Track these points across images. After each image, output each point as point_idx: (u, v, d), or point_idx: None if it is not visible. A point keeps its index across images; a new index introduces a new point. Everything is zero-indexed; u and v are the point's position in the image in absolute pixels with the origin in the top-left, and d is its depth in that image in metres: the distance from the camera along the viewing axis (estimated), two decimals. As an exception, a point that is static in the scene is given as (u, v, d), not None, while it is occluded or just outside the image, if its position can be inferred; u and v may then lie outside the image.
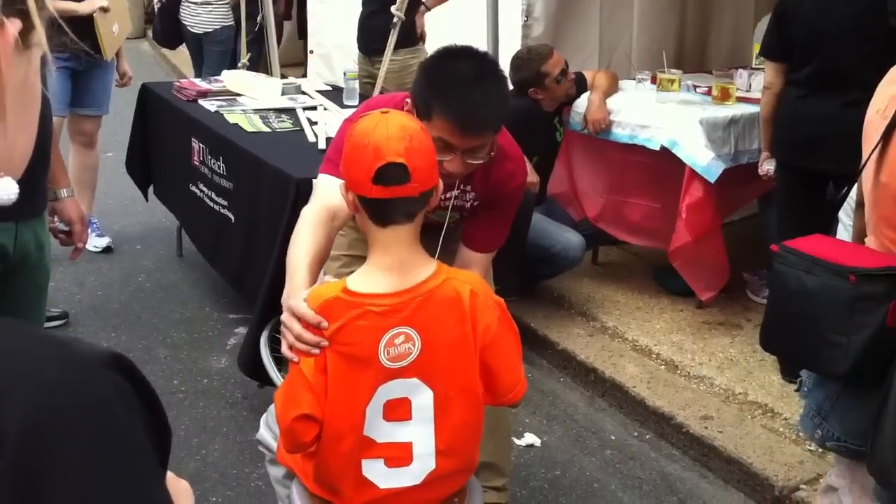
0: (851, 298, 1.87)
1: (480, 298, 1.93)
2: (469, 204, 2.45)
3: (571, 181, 4.70)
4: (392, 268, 1.88)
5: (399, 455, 1.95)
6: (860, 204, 2.21)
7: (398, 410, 1.92)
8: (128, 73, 5.04)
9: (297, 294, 1.94)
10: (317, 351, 1.84)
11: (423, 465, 1.97)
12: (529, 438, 3.49)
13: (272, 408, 2.16)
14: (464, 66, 2.18)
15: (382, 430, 1.93)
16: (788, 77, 3.59)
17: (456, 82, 2.15)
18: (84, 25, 4.32)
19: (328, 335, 1.84)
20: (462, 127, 2.12)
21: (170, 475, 0.97)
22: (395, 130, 1.84)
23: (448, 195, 2.38)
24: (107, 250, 5.12)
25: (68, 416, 0.81)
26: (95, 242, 5.06)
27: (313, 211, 2.29)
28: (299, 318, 1.85)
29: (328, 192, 2.27)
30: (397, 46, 5.01)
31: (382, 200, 1.85)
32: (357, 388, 1.89)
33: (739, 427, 3.36)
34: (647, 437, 3.50)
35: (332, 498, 2.02)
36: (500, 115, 2.22)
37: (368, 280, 1.89)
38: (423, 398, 1.92)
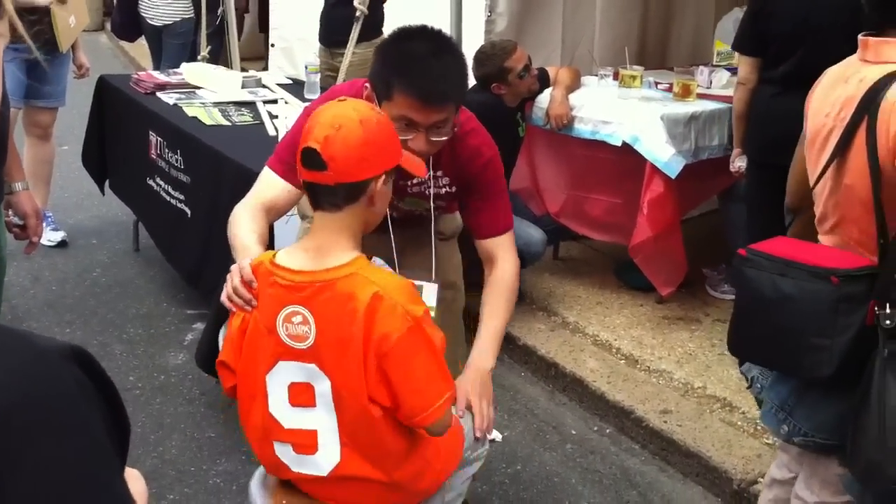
0: (834, 301, 1.85)
1: (384, 304, 1.84)
2: (444, 189, 2.44)
3: (533, 177, 4.70)
4: (309, 249, 1.94)
5: (305, 442, 1.98)
6: (794, 210, 2.22)
7: (303, 395, 1.94)
8: (85, 64, 4.96)
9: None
10: (248, 308, 1.96)
11: (327, 454, 1.97)
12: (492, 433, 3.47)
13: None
14: (420, 43, 2.20)
15: (289, 415, 1.97)
16: (762, 74, 3.57)
17: (414, 58, 2.17)
18: (40, 16, 4.27)
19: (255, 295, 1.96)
20: (423, 100, 2.13)
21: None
22: (328, 118, 1.89)
23: (417, 181, 2.38)
24: (62, 244, 5.04)
25: (30, 405, 0.80)
26: (50, 236, 4.98)
27: (247, 204, 2.36)
28: (240, 274, 1.98)
29: (265, 187, 2.37)
30: (359, 39, 4.99)
31: (307, 183, 1.92)
32: (259, 353, 1.97)
33: (698, 421, 3.38)
34: (608, 431, 3.51)
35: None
36: (460, 87, 2.26)
37: (289, 256, 1.96)
38: (323, 385, 1.93)
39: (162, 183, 4.17)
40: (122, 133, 4.70)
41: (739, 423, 3.38)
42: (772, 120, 3.52)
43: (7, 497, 0.77)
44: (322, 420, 1.94)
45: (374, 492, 2.02)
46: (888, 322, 1.83)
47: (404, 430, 1.97)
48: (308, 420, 1.95)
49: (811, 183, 2.07)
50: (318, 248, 1.92)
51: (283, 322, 1.91)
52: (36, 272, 4.71)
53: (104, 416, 0.88)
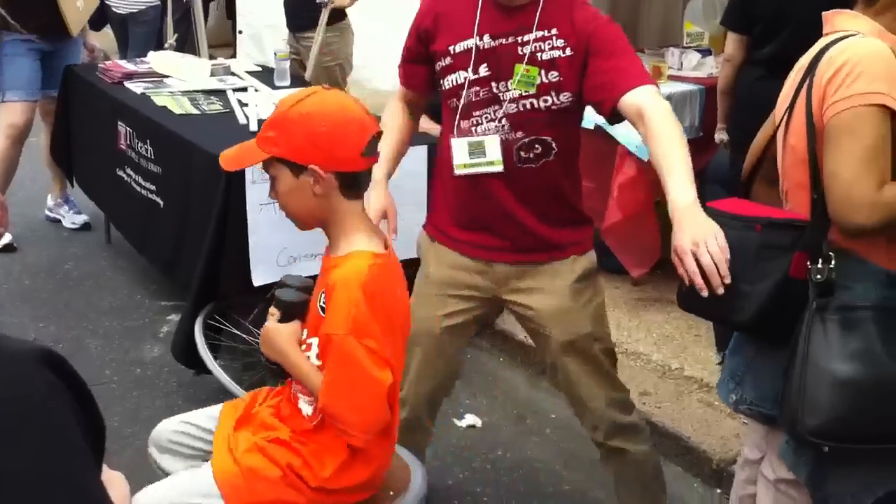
0: (757, 246, 1.90)
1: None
2: (559, 53, 2.25)
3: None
4: (372, 229, 2.02)
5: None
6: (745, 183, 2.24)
7: None
8: (96, 47, 5.06)
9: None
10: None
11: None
12: (470, 419, 3.48)
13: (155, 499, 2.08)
14: None
15: None
16: (749, 53, 3.54)
17: None
18: (47, 3, 4.42)
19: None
20: None
21: (104, 468, 0.95)
22: (354, 101, 1.96)
23: (526, 39, 2.25)
24: (85, 227, 5.10)
25: None
26: (74, 219, 5.12)
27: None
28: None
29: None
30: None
31: (361, 172, 1.95)
32: (400, 348, 2.02)
33: (676, 402, 3.41)
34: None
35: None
36: None
37: (375, 243, 1.98)
38: None
39: (132, 174, 4.12)
40: (90, 123, 4.64)
41: (717, 403, 3.41)
42: (754, 104, 3.51)
43: None
44: None
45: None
46: (818, 276, 1.87)
47: None
48: None
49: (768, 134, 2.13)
50: (374, 228, 2.05)
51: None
52: (7, 266, 4.65)
53: (77, 418, 0.87)
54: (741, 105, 3.60)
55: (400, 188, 3.58)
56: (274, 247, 3.35)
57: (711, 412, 3.34)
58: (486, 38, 2.29)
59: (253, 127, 3.82)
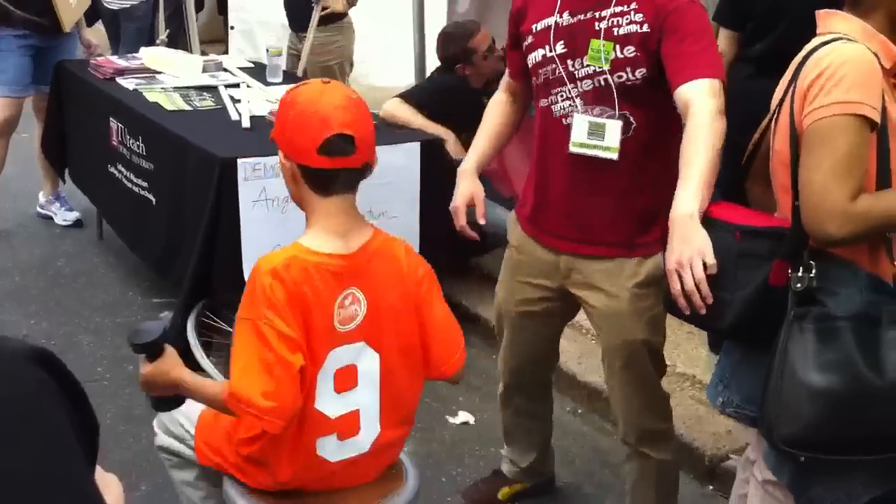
0: (735, 254, 1.90)
1: (413, 255, 2.01)
2: (635, 28, 2.22)
3: (500, 157, 4.67)
4: (338, 232, 1.91)
5: (349, 426, 1.97)
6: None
7: (347, 379, 1.94)
8: (93, 42, 5.06)
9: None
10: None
11: (369, 431, 2.00)
12: (464, 416, 3.49)
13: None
14: None
15: (335, 404, 1.94)
16: (741, 51, 3.52)
17: None
18: (42, 3, 4.52)
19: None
20: None
21: (97, 469, 0.94)
22: (342, 100, 1.86)
23: (605, 14, 2.23)
24: (77, 224, 5.07)
25: None
26: (65, 216, 5.09)
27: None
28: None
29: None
30: (321, 23, 4.94)
31: (326, 171, 1.86)
32: (313, 356, 1.88)
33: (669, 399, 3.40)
34: (580, 411, 3.53)
35: (280, 484, 1.99)
36: None
37: (319, 242, 1.90)
38: (368, 362, 1.94)
39: (124, 170, 4.10)
40: (82, 120, 4.63)
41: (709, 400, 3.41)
42: (746, 99, 3.50)
43: None
44: (363, 398, 1.97)
45: (398, 448, 2.12)
46: (798, 285, 1.86)
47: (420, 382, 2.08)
48: (351, 402, 1.96)
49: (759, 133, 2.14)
50: (346, 231, 1.92)
51: (338, 309, 1.90)
52: (-2, 263, 4.64)
53: (70, 417, 0.86)
54: (732, 102, 3.60)
55: (391, 185, 3.61)
56: (266, 243, 3.33)
57: (704, 409, 3.35)
58: (566, 14, 2.30)
59: (245, 123, 3.81)
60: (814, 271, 1.86)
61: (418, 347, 2.01)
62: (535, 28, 2.35)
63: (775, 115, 2.03)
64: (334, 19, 5.07)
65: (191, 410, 2.17)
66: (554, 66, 2.32)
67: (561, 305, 2.56)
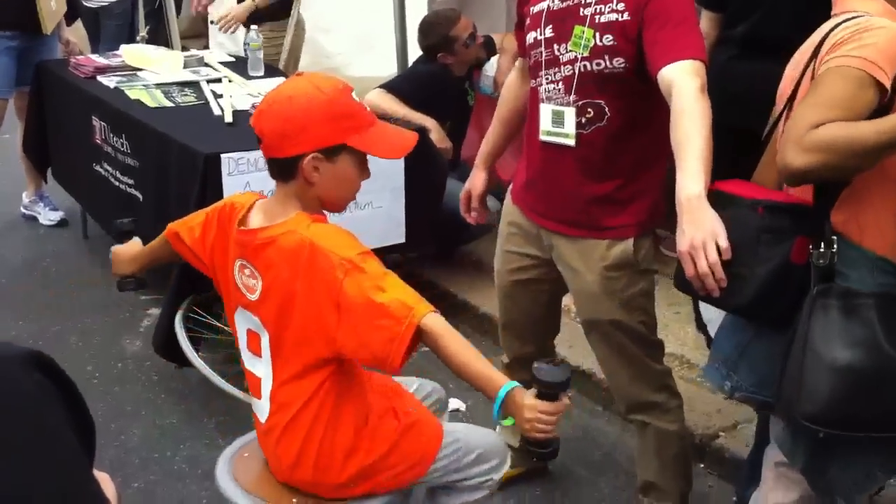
0: (757, 230, 1.86)
1: (319, 254, 1.86)
2: (616, 16, 2.23)
3: (484, 145, 4.69)
4: (262, 211, 2.01)
5: (255, 386, 2.07)
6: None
7: (254, 344, 2.03)
8: (71, 40, 5.10)
9: None
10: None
11: (264, 405, 2.06)
12: (454, 403, 3.49)
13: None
14: None
15: (247, 358, 2.08)
16: (722, 33, 3.55)
17: None
18: (24, 4, 4.57)
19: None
20: None
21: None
22: (271, 93, 1.96)
23: (588, 2, 2.25)
24: (62, 223, 5.06)
25: None
26: (50, 216, 5.07)
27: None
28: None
29: None
30: (269, 19, 4.90)
31: None
32: (228, 291, 2.09)
33: (658, 380, 3.42)
34: (570, 394, 3.53)
35: None
36: None
37: (255, 212, 2.03)
38: (265, 339, 2.00)
39: (110, 168, 4.09)
40: (64, 119, 4.61)
41: (699, 379, 3.43)
42: (728, 80, 3.51)
43: None
44: (264, 371, 2.03)
45: (284, 443, 2.04)
46: (821, 261, 1.84)
47: (351, 419, 2.01)
48: (257, 368, 2.05)
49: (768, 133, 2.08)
50: (268, 212, 2.00)
51: (238, 272, 2.01)
52: (-17, 265, 4.62)
53: (68, 418, 0.87)
54: (714, 82, 3.60)
55: (376, 175, 3.58)
56: (253, 237, 3.34)
57: (693, 388, 3.37)
58: None
59: (228, 118, 3.80)
60: (835, 247, 1.83)
61: (312, 345, 1.92)
62: (532, 10, 2.39)
63: (788, 106, 1.99)
64: (279, 17, 4.99)
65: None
66: (541, 49, 2.34)
67: (551, 272, 2.60)
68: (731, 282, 1.86)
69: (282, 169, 1.94)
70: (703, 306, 2.30)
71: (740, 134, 3.31)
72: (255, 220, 2.00)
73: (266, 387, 2.03)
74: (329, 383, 1.97)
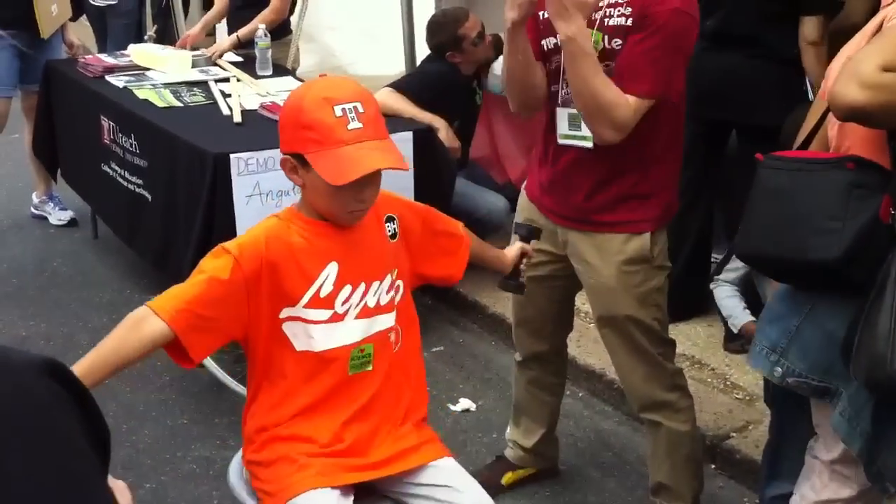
0: (849, 184, 1.83)
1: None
2: (624, 22, 2.25)
3: (493, 144, 4.69)
4: None
5: None
6: None
7: None
8: (75, 43, 5.09)
9: None
10: None
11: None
12: (464, 403, 3.50)
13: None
14: None
15: None
16: None
17: None
18: (24, 4, 4.57)
19: None
20: None
21: (108, 476, 0.95)
22: None
23: (603, 3, 2.25)
24: (71, 223, 5.07)
25: (2, 425, 0.79)
26: (59, 216, 5.08)
27: None
28: None
29: None
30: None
31: None
32: None
33: (669, 379, 3.42)
34: (580, 395, 3.54)
35: None
36: None
37: None
38: None
39: (118, 168, 4.10)
40: (72, 119, 4.62)
41: (709, 379, 3.43)
42: (702, 73, 3.50)
43: None
44: None
45: None
46: None
47: None
48: None
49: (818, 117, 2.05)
50: None
51: None
52: (-7, 265, 4.64)
53: (82, 426, 0.87)
54: (689, 75, 3.62)
55: (385, 173, 3.60)
56: (262, 238, 3.34)
57: (703, 388, 3.36)
58: None
59: (237, 118, 3.80)
60: None
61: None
62: (543, 15, 2.38)
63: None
64: (280, 35, 4.96)
65: None
66: (560, 55, 2.32)
67: (566, 268, 2.60)
68: (820, 236, 1.84)
69: (288, 165, 1.98)
70: (761, 284, 2.24)
71: (712, 125, 3.29)
72: None
73: None
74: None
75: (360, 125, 1.85)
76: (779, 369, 2.03)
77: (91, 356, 1.82)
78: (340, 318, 1.97)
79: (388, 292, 2.03)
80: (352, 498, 1.96)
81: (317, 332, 1.96)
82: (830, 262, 1.86)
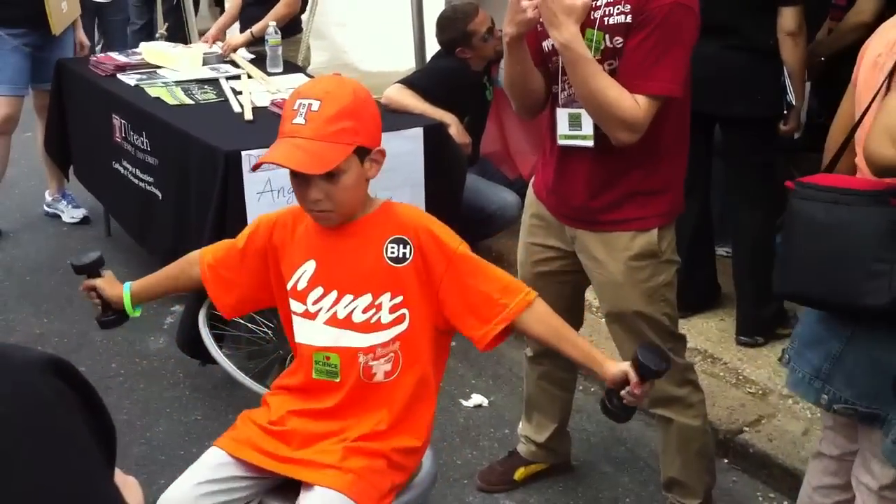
0: (890, 222, 1.77)
1: None
2: (621, 18, 2.23)
3: (504, 140, 4.69)
4: None
5: None
6: (828, 168, 2.09)
7: None
8: (84, 42, 5.11)
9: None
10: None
11: None
12: (477, 399, 3.50)
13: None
14: None
15: None
16: None
17: None
18: (35, 3, 4.57)
19: None
20: None
21: (117, 471, 0.96)
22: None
23: (600, 3, 2.24)
24: (84, 221, 5.10)
25: (7, 424, 0.80)
26: (73, 214, 5.11)
27: None
28: None
29: None
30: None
31: None
32: None
33: (681, 374, 3.41)
34: (592, 390, 3.54)
35: None
36: None
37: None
38: None
39: (129, 166, 4.11)
40: (84, 117, 4.63)
41: (721, 374, 3.42)
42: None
43: None
44: None
45: None
46: None
47: None
48: None
49: (855, 121, 2.00)
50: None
51: None
52: (8, 263, 4.66)
53: (87, 423, 0.87)
54: None
55: (396, 170, 3.61)
56: (274, 234, 3.35)
57: (716, 383, 3.36)
58: None
59: (248, 116, 3.81)
60: None
61: None
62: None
63: (885, 83, 1.91)
64: (290, 33, 4.97)
65: None
66: (558, 56, 2.31)
67: (574, 264, 2.60)
68: (868, 281, 1.77)
69: None
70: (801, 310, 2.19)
71: (694, 117, 3.24)
72: None
73: None
74: None
75: (302, 122, 1.84)
76: (825, 396, 1.98)
77: (153, 276, 2.34)
78: (311, 317, 2.01)
79: (364, 311, 1.96)
80: (245, 474, 2.02)
81: (296, 322, 2.05)
82: (883, 307, 1.80)
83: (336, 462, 1.96)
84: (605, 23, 2.25)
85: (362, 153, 1.91)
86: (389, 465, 2.01)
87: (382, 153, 1.96)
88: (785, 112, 3.39)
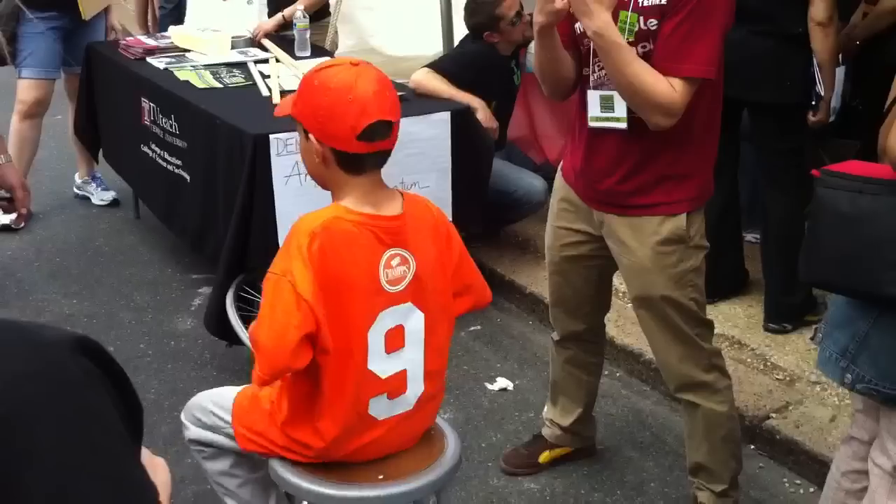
0: None
1: (435, 208, 2.09)
2: (658, 1, 2.22)
3: (531, 125, 4.67)
4: (372, 203, 1.96)
5: (398, 385, 2.03)
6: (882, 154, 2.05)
7: (396, 340, 2.00)
8: (115, 27, 5.13)
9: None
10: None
11: (414, 389, 2.06)
12: (502, 383, 3.51)
13: (192, 402, 2.28)
14: None
15: (385, 364, 2.00)
16: None
17: None
18: None
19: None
20: None
21: (145, 451, 0.96)
22: (377, 85, 1.89)
23: None
24: (114, 203, 5.15)
25: (36, 403, 0.81)
26: (102, 196, 5.17)
27: None
28: None
29: None
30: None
31: (359, 156, 1.91)
32: (358, 313, 1.93)
33: (707, 360, 3.39)
34: (618, 374, 3.54)
35: (328, 444, 2.03)
36: None
37: (358, 207, 1.95)
38: (415, 322, 2.00)
39: (157, 149, 4.14)
40: (113, 101, 4.67)
41: (749, 360, 3.41)
42: None
43: (28, 496, 0.77)
44: (410, 357, 2.03)
45: (437, 402, 2.17)
46: None
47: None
48: (399, 363, 2.02)
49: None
50: (378, 201, 1.97)
51: (383, 269, 1.94)
52: (38, 244, 4.71)
53: (115, 402, 0.88)
54: None
55: (423, 155, 3.61)
56: (301, 217, 3.36)
57: (743, 369, 3.34)
58: None
59: (276, 99, 3.82)
60: None
61: (451, 301, 2.09)
62: None
63: None
64: (318, 17, 4.97)
65: (223, 399, 2.20)
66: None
67: (602, 248, 2.60)
68: (888, 270, 1.77)
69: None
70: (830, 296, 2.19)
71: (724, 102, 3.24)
72: (374, 211, 1.95)
73: (416, 372, 2.04)
74: None
75: None
76: (849, 376, 1.98)
77: None
78: None
79: None
80: None
81: None
82: None
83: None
84: (640, 4, 2.23)
85: (304, 129, 1.95)
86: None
87: (315, 145, 1.91)
88: (814, 102, 3.35)
